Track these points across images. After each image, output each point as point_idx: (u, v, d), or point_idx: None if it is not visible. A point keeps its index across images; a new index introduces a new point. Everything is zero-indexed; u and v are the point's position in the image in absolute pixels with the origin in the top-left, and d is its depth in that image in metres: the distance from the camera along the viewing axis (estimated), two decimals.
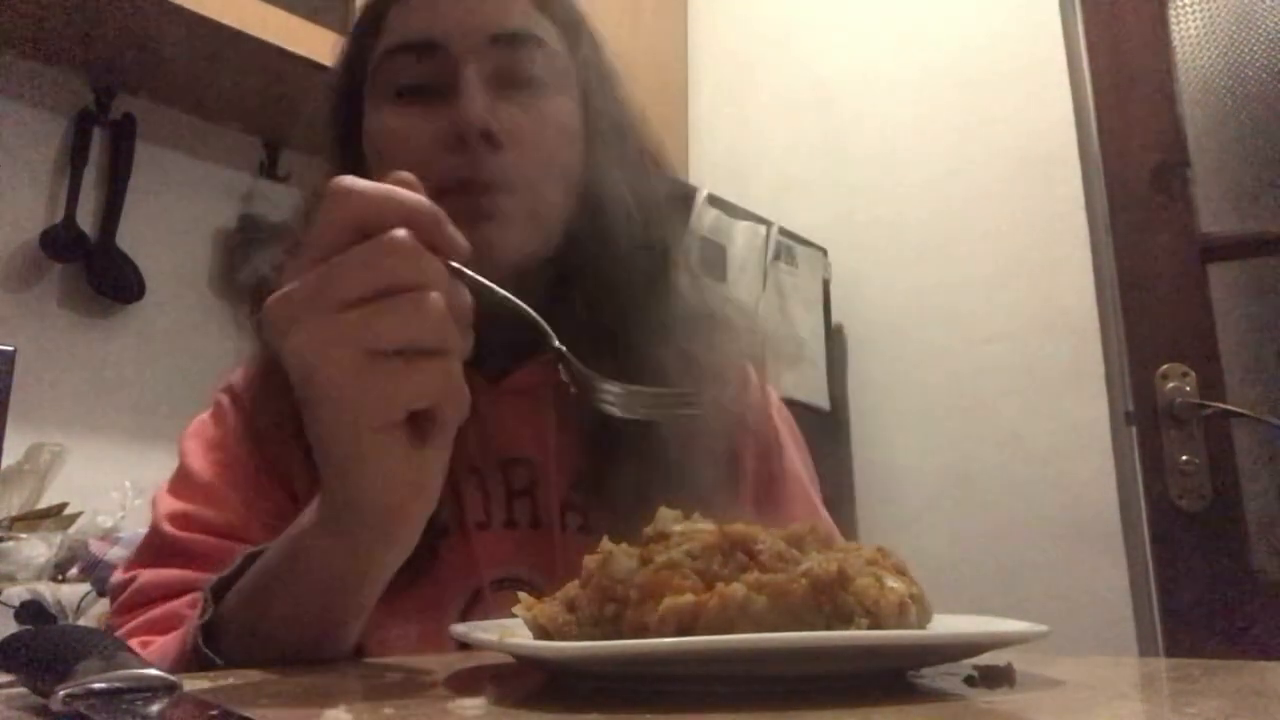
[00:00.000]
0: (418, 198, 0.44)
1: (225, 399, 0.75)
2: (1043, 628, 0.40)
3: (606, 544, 0.42)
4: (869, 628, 0.38)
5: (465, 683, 0.42)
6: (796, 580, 0.38)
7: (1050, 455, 1.88)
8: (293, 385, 0.44)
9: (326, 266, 0.42)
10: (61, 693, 0.31)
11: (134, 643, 0.59)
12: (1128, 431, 1.86)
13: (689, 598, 0.37)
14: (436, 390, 0.43)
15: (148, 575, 0.64)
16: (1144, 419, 1.84)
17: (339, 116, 0.74)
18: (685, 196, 1.80)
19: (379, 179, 0.50)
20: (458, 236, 0.45)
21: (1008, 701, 0.37)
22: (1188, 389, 1.80)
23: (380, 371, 0.42)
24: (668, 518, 0.43)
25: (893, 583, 0.40)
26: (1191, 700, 0.37)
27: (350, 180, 0.44)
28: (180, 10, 1.48)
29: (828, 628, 0.37)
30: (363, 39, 0.72)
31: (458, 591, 0.65)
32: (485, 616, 0.60)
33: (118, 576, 0.67)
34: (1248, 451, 1.78)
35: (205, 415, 0.76)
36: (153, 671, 0.33)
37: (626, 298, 0.69)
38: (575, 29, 0.74)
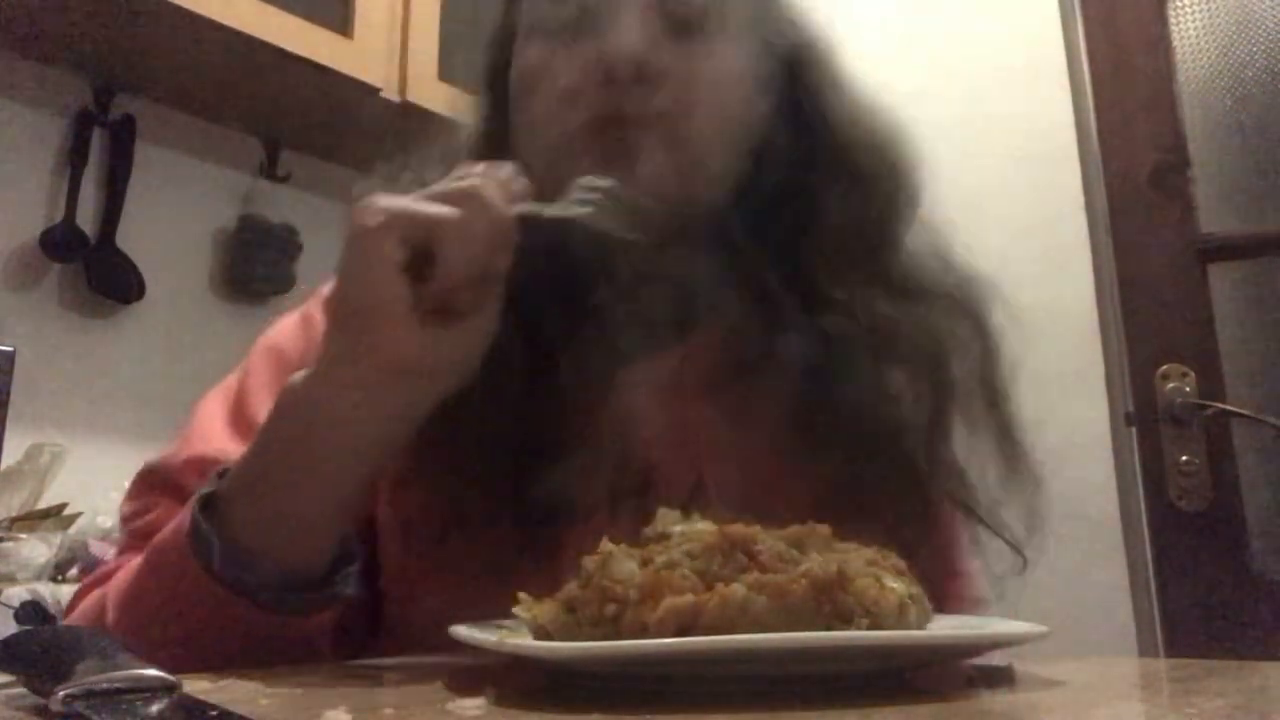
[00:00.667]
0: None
1: (316, 311, 0.68)
2: (1042, 628, 0.40)
3: (606, 544, 0.42)
4: (868, 628, 0.38)
5: (465, 683, 0.42)
6: (796, 580, 0.38)
7: (1049, 455, 1.86)
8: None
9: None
10: (61, 693, 0.31)
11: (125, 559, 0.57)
12: (1127, 432, 1.86)
13: (689, 598, 0.37)
14: (438, 228, 0.47)
15: (158, 515, 0.59)
16: (1144, 419, 1.84)
17: (493, 53, 0.69)
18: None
19: (521, 123, 0.59)
20: (525, 183, 0.50)
21: (1008, 701, 0.37)
22: (1187, 389, 1.80)
23: (401, 205, 0.47)
24: (667, 518, 0.43)
25: (892, 583, 0.40)
26: (1191, 700, 0.37)
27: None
28: (180, 10, 1.49)
29: (827, 628, 0.37)
30: None
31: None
32: None
33: (127, 508, 0.62)
34: (1248, 452, 1.78)
35: (289, 323, 0.69)
36: (152, 672, 0.33)
37: (822, 262, 0.63)
38: None
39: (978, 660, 0.42)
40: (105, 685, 0.31)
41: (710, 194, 0.62)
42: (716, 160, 0.62)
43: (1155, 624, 1.77)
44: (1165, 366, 1.83)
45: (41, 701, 0.33)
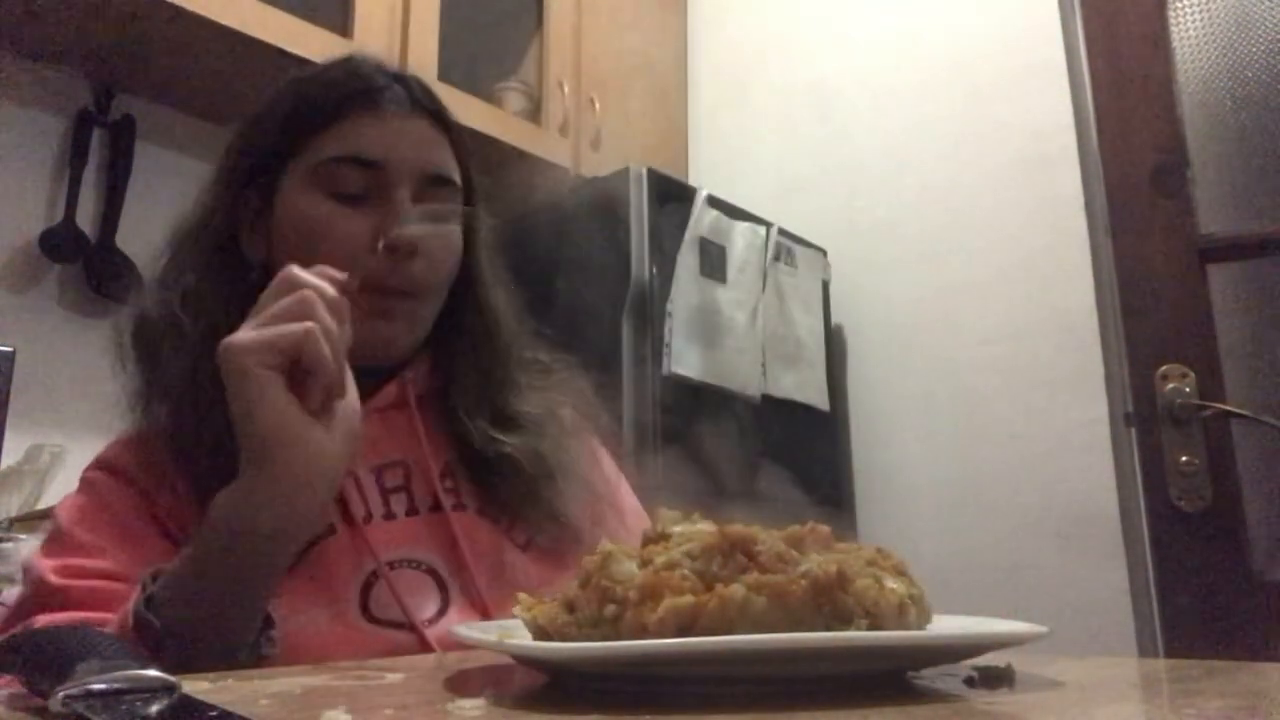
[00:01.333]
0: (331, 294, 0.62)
1: (99, 474, 0.79)
2: (1042, 629, 0.40)
3: (606, 544, 0.42)
4: (869, 629, 0.38)
5: (465, 683, 0.42)
6: (796, 581, 0.38)
7: (1050, 456, 1.88)
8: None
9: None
10: (61, 694, 0.31)
11: None
12: (1127, 432, 1.86)
13: (688, 598, 0.37)
14: (301, 341, 0.58)
15: (42, 620, 0.64)
16: (1143, 420, 1.84)
17: (252, 167, 0.84)
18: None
19: (292, 258, 0.70)
20: (339, 274, 0.64)
21: (1008, 702, 0.37)
22: (1187, 390, 1.80)
23: (264, 332, 0.58)
24: (668, 519, 0.43)
25: (892, 583, 0.40)
26: (1191, 701, 0.37)
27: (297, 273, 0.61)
28: (180, 11, 1.49)
29: (827, 628, 0.37)
30: (303, 126, 0.82)
31: (351, 576, 0.73)
32: (387, 594, 0.72)
33: None
34: (1247, 452, 1.78)
35: (73, 497, 0.78)
36: (152, 672, 0.33)
37: (479, 349, 0.87)
38: (468, 170, 0.90)
39: (977, 661, 0.42)
40: (105, 686, 0.31)
41: (426, 333, 0.85)
42: (435, 310, 0.85)
43: (1155, 624, 1.77)
44: (1165, 367, 1.83)
45: (41, 702, 0.33)
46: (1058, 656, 0.47)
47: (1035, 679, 0.41)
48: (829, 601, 0.38)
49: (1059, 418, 1.89)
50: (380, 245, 0.77)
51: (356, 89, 0.82)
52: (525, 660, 0.42)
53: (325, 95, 0.82)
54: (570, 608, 0.41)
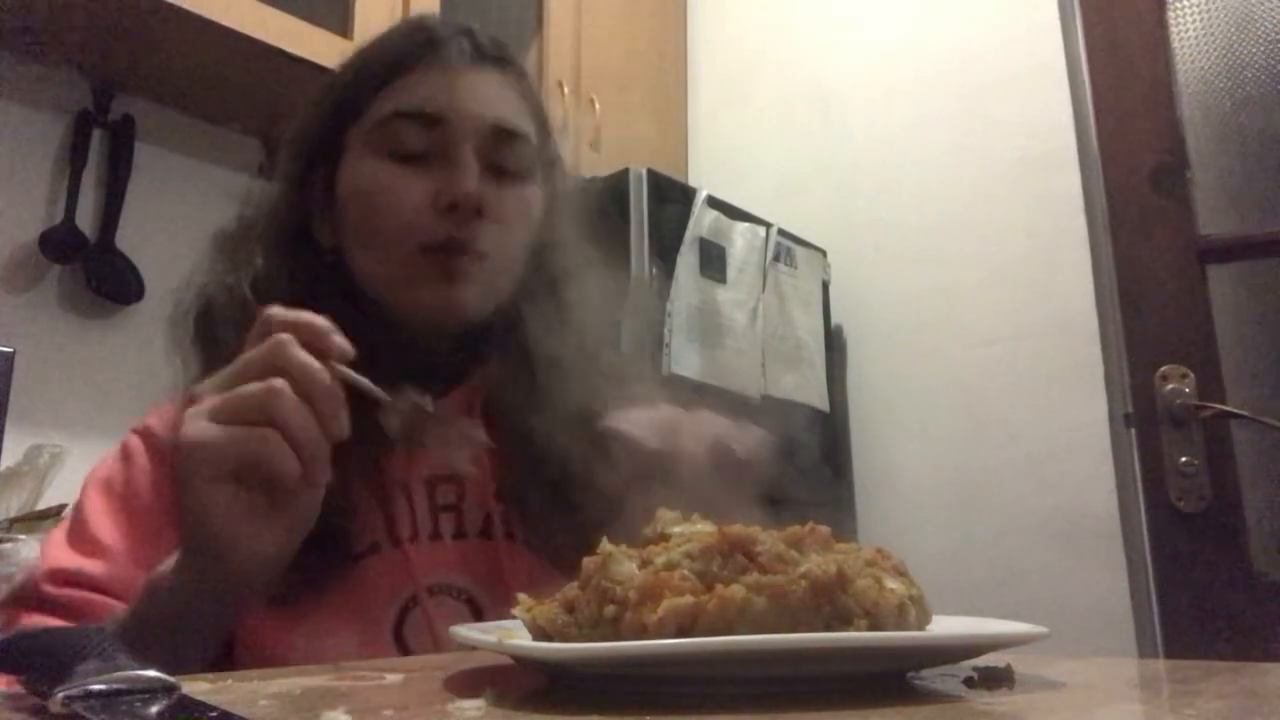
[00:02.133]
0: (304, 317, 0.56)
1: (137, 442, 0.77)
2: (1042, 629, 0.40)
3: (606, 545, 0.42)
4: (868, 629, 0.38)
5: (465, 684, 0.42)
6: (795, 582, 0.38)
7: (1049, 457, 1.88)
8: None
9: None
10: (60, 694, 0.31)
11: None
12: (1127, 433, 1.86)
13: (688, 599, 0.37)
14: (258, 453, 0.52)
15: (27, 620, 0.65)
16: (1143, 420, 1.84)
17: (315, 147, 0.79)
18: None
19: (358, 228, 0.71)
20: (344, 344, 0.56)
21: (1008, 702, 0.37)
22: (1187, 390, 1.80)
23: (218, 436, 0.53)
24: (667, 519, 0.43)
25: (892, 584, 0.40)
26: (1191, 701, 0.37)
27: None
28: (180, 12, 1.49)
29: (827, 629, 0.37)
30: (356, 95, 0.77)
31: (388, 601, 0.70)
32: (422, 622, 0.68)
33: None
34: (1247, 453, 1.78)
35: (112, 457, 0.77)
36: (152, 673, 0.33)
37: (548, 356, 0.78)
38: (548, 132, 0.84)
39: (977, 661, 0.42)
40: (105, 686, 0.31)
41: (500, 303, 0.78)
42: (511, 280, 0.78)
43: (1154, 625, 1.77)
44: (1165, 368, 1.83)
45: (41, 703, 0.33)
46: (1058, 657, 0.47)
47: (1035, 679, 0.41)
48: (829, 602, 0.38)
49: (1059, 418, 1.89)
50: (443, 204, 0.72)
51: (416, 42, 0.77)
52: (525, 661, 0.42)
53: (385, 53, 0.78)
54: (570, 608, 0.40)
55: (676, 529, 0.43)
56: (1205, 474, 1.77)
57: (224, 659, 0.66)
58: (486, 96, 0.76)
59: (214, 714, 0.31)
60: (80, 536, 0.70)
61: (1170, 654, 1.71)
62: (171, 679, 0.32)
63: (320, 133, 0.79)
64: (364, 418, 0.62)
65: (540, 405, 0.74)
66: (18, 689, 0.36)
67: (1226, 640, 1.67)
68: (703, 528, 0.43)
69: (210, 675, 0.44)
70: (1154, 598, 1.78)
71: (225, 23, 1.53)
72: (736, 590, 0.37)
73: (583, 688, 0.39)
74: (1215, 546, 1.74)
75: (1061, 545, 1.82)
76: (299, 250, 0.77)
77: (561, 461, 0.70)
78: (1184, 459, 1.78)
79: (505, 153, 0.77)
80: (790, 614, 0.37)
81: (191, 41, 1.57)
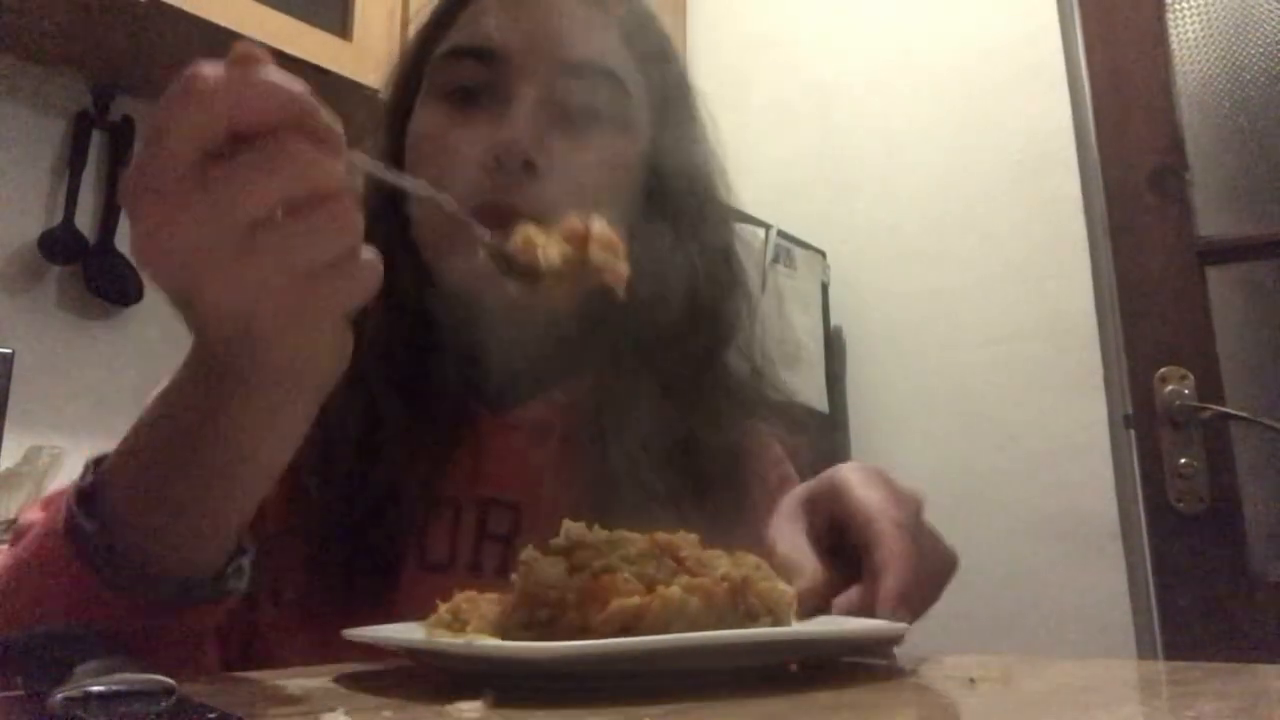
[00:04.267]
0: (288, 85, 0.37)
1: None
2: (900, 625, 0.43)
3: (530, 552, 0.43)
4: (771, 624, 0.42)
5: (464, 685, 0.42)
6: (718, 583, 0.41)
7: (1048, 458, 1.88)
8: (214, 332, 0.40)
9: (214, 183, 0.36)
10: (59, 696, 0.31)
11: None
12: (1126, 434, 1.86)
13: (635, 600, 0.39)
14: (371, 287, 0.40)
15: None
16: (1142, 422, 1.84)
17: (392, 115, 0.69)
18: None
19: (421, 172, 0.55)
20: (335, 123, 0.38)
21: (1007, 703, 0.37)
22: (1186, 392, 1.80)
23: (319, 290, 0.38)
24: (571, 529, 0.45)
25: (782, 585, 0.44)
26: (1190, 703, 0.37)
27: (210, 70, 0.39)
28: (179, 12, 1.49)
29: (741, 626, 0.41)
30: (428, 36, 0.69)
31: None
32: None
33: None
34: (1246, 454, 1.78)
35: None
36: (151, 675, 0.33)
37: (664, 361, 0.64)
38: (659, 67, 0.71)
39: (977, 662, 0.42)
40: (103, 688, 0.31)
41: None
42: None
43: (1154, 626, 1.77)
44: (1164, 369, 1.83)
45: (40, 704, 0.33)
46: (1057, 658, 0.47)
47: (1035, 680, 0.41)
48: (743, 601, 0.41)
49: (1058, 419, 1.89)
50: (489, 157, 0.60)
51: None
52: (434, 659, 0.43)
53: None
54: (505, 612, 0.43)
55: (600, 536, 0.44)
56: (1204, 475, 1.77)
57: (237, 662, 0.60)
58: (557, 24, 0.64)
59: (213, 715, 0.31)
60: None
61: (1169, 655, 1.71)
62: (170, 681, 0.32)
63: (401, 77, 0.70)
64: (412, 423, 0.57)
65: (640, 439, 0.59)
66: (16, 691, 0.36)
67: (1226, 641, 1.67)
68: (630, 534, 0.44)
69: (209, 676, 0.44)
70: (1153, 599, 1.78)
71: (224, 24, 1.53)
72: (675, 592, 0.40)
73: (583, 688, 0.39)
74: (1214, 548, 1.74)
75: (1061, 546, 1.82)
76: (381, 217, 0.63)
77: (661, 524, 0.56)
78: (1183, 460, 1.78)
79: (578, 93, 0.64)
80: (716, 612, 0.40)
81: (191, 42, 1.57)
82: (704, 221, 0.71)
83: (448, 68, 0.65)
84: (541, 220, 0.54)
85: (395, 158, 0.67)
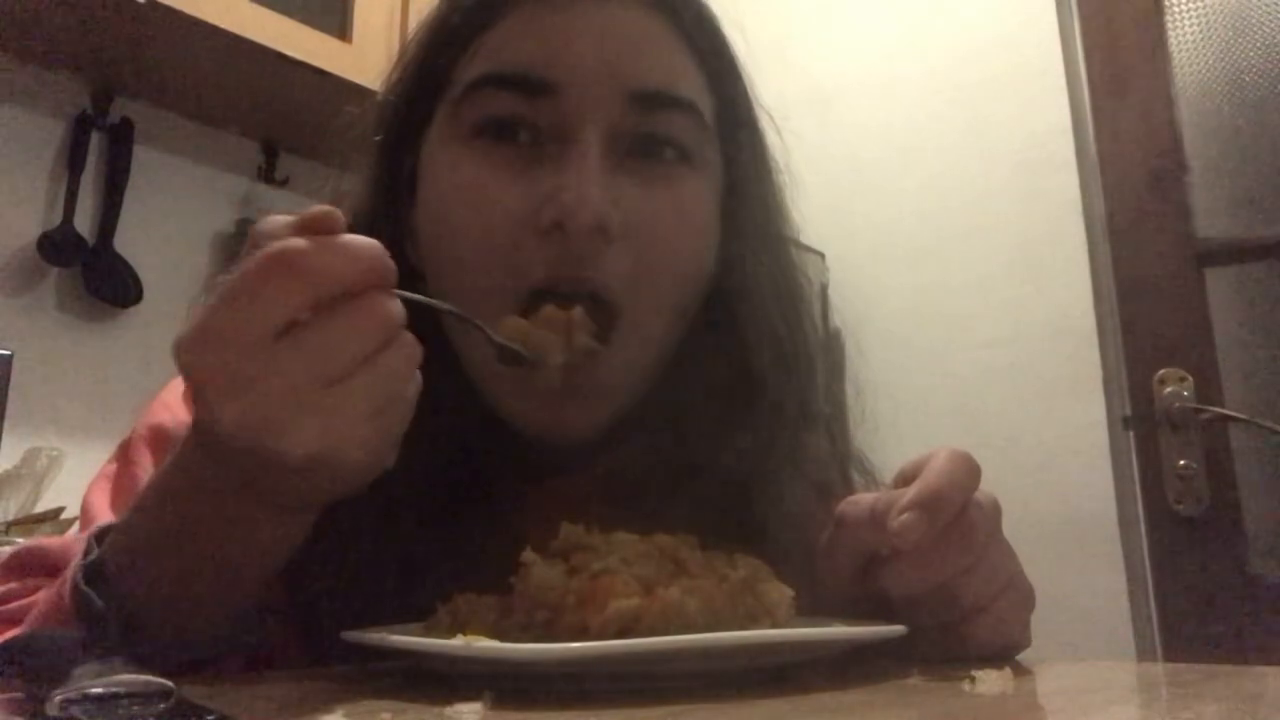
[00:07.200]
0: (371, 251, 0.39)
1: (167, 418, 0.60)
2: (898, 628, 0.42)
3: (529, 554, 0.43)
4: (770, 626, 0.42)
5: (463, 686, 0.42)
6: (717, 585, 0.41)
7: (1048, 459, 1.88)
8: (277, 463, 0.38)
9: (306, 343, 0.37)
10: (58, 698, 0.31)
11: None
12: (1125, 436, 1.86)
13: (635, 601, 0.39)
14: (408, 374, 0.40)
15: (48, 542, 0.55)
16: (1141, 423, 1.84)
17: (391, 152, 0.58)
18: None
19: (441, 252, 0.50)
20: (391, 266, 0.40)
21: (1007, 703, 0.37)
22: (1185, 393, 1.80)
23: (389, 423, 0.40)
24: (570, 531, 0.45)
25: (781, 588, 0.44)
26: (1189, 704, 0.37)
27: (298, 241, 0.39)
28: (178, 14, 1.49)
29: (741, 628, 0.41)
30: (440, 55, 0.55)
31: None
32: None
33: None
34: (1245, 456, 1.78)
35: (172, 397, 0.62)
36: (149, 677, 0.33)
37: (721, 436, 0.54)
38: (729, 86, 0.59)
39: (976, 662, 0.42)
40: (102, 690, 0.31)
41: (659, 364, 0.54)
42: (672, 329, 0.54)
43: (1153, 628, 1.77)
44: (1163, 371, 1.83)
45: (38, 706, 0.33)
46: (1056, 660, 0.47)
47: (1034, 681, 0.41)
48: (744, 604, 0.42)
49: (1057, 421, 1.89)
50: (546, 220, 0.49)
51: None
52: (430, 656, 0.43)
53: None
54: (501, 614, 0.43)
55: (594, 540, 0.44)
56: (1203, 477, 1.77)
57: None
58: (623, 44, 0.52)
59: (212, 717, 0.31)
60: (123, 500, 0.57)
61: (1168, 657, 1.71)
62: (169, 683, 0.32)
63: (403, 105, 0.57)
64: (451, 506, 0.52)
65: (684, 518, 0.48)
66: (15, 693, 0.36)
67: (1225, 643, 1.67)
68: (627, 536, 0.44)
69: (208, 677, 0.44)
70: (1152, 600, 1.78)
71: (224, 25, 1.53)
72: (674, 593, 0.40)
73: (575, 689, 0.39)
74: (1213, 549, 1.74)
75: (1060, 548, 1.82)
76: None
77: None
78: (1182, 462, 1.78)
79: (654, 131, 0.52)
80: (715, 614, 0.40)
81: (190, 44, 1.57)
82: (774, 280, 0.60)
83: (480, 101, 0.52)
84: (609, 297, 0.50)
85: (392, 202, 0.57)
